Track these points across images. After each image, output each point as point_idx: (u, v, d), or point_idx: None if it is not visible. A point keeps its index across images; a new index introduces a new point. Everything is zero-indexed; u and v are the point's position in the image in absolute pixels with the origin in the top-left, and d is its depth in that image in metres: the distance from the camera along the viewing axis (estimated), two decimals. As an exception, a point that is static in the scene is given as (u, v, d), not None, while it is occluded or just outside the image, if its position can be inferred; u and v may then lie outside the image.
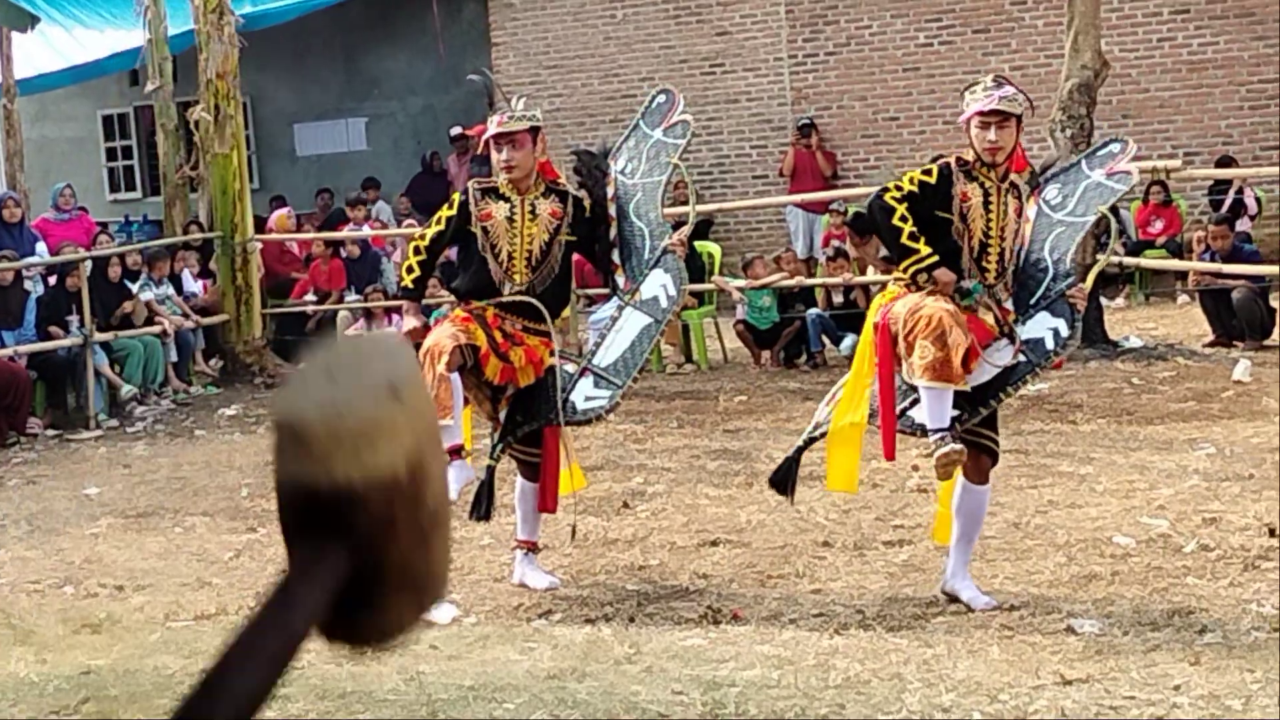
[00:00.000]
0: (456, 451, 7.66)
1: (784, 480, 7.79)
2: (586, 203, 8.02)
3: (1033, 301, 7.37)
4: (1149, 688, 5.91)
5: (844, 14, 21.03)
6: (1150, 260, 17.26)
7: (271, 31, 21.53)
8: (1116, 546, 7.92)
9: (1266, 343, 14.06)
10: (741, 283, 15.63)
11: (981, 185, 7.19)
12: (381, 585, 1.28)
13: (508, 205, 7.79)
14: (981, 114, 7.15)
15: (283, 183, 23.41)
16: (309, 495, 1.23)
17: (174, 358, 15.71)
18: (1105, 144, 8.14)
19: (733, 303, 15.96)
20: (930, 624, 6.96)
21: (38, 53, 21.23)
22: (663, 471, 10.68)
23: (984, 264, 7.17)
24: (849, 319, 14.66)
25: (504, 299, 7.75)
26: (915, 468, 10.02)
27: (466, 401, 7.80)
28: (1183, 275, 16.88)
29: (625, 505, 9.69)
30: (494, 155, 7.85)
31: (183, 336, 15.96)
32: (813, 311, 15.06)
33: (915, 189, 7.16)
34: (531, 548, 8.09)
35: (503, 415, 7.94)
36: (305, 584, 1.25)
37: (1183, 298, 16.80)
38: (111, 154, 25.65)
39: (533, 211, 7.79)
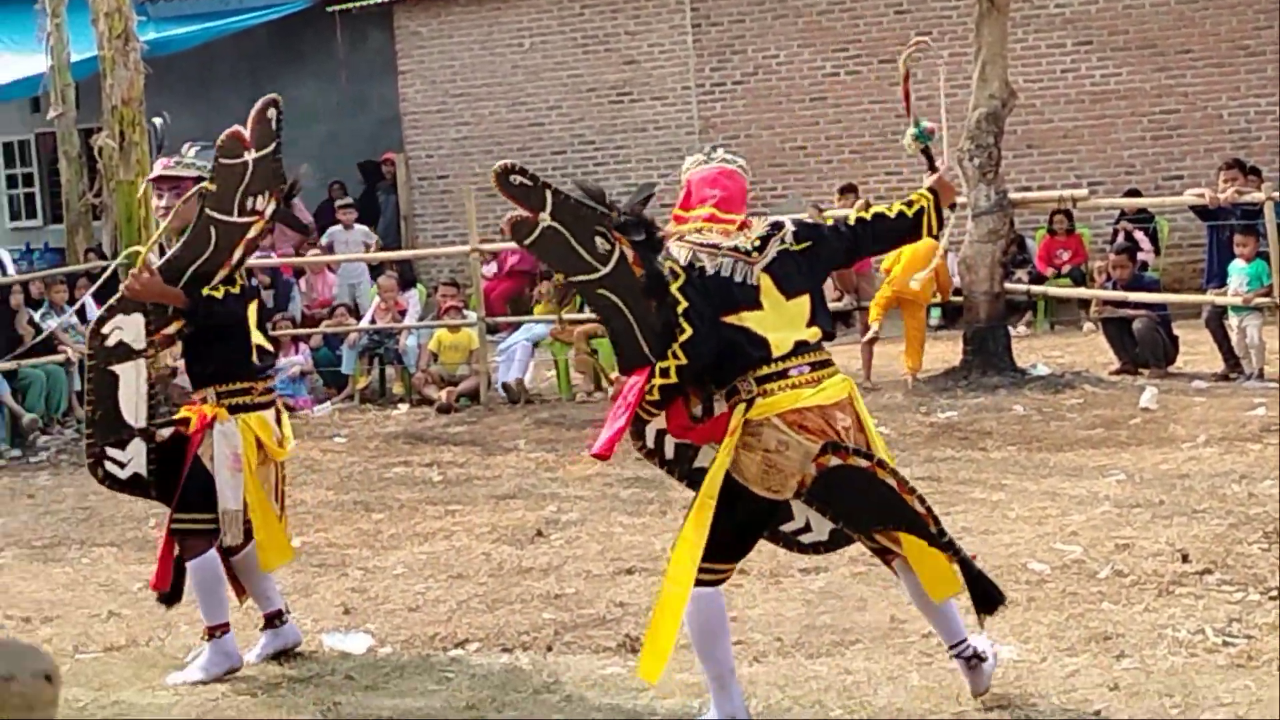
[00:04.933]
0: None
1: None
2: None
3: None
4: (1069, 713, 5.92)
5: (751, 43, 21.13)
6: (1054, 288, 17.45)
7: (176, 58, 21.39)
8: (1031, 572, 7.95)
9: (1171, 369, 14.22)
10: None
11: None
12: None
13: None
14: None
15: (187, 210, 23.19)
16: None
17: (78, 386, 15.50)
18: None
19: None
20: (849, 651, 6.95)
21: (-63, 78, 20.96)
22: (576, 500, 10.63)
23: None
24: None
25: None
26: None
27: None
28: (1087, 304, 17.07)
29: (539, 533, 9.64)
30: (154, 201, 7.40)
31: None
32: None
33: None
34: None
35: None
36: None
37: (1087, 326, 16.97)
38: (12, 181, 25.35)
39: None
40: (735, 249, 5.97)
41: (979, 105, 14.73)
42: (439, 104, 22.58)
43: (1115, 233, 18.35)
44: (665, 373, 5.88)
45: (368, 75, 23.19)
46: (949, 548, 5.87)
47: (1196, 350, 14.63)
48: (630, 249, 5.98)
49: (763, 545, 7.94)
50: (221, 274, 7.07)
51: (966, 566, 5.96)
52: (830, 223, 6.36)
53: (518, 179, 6.02)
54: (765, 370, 5.85)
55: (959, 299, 15.45)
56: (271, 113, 7.04)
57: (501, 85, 22.28)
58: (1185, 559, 7.93)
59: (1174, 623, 6.98)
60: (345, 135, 23.71)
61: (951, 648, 6.13)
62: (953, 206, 6.80)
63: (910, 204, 6.35)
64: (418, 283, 19.22)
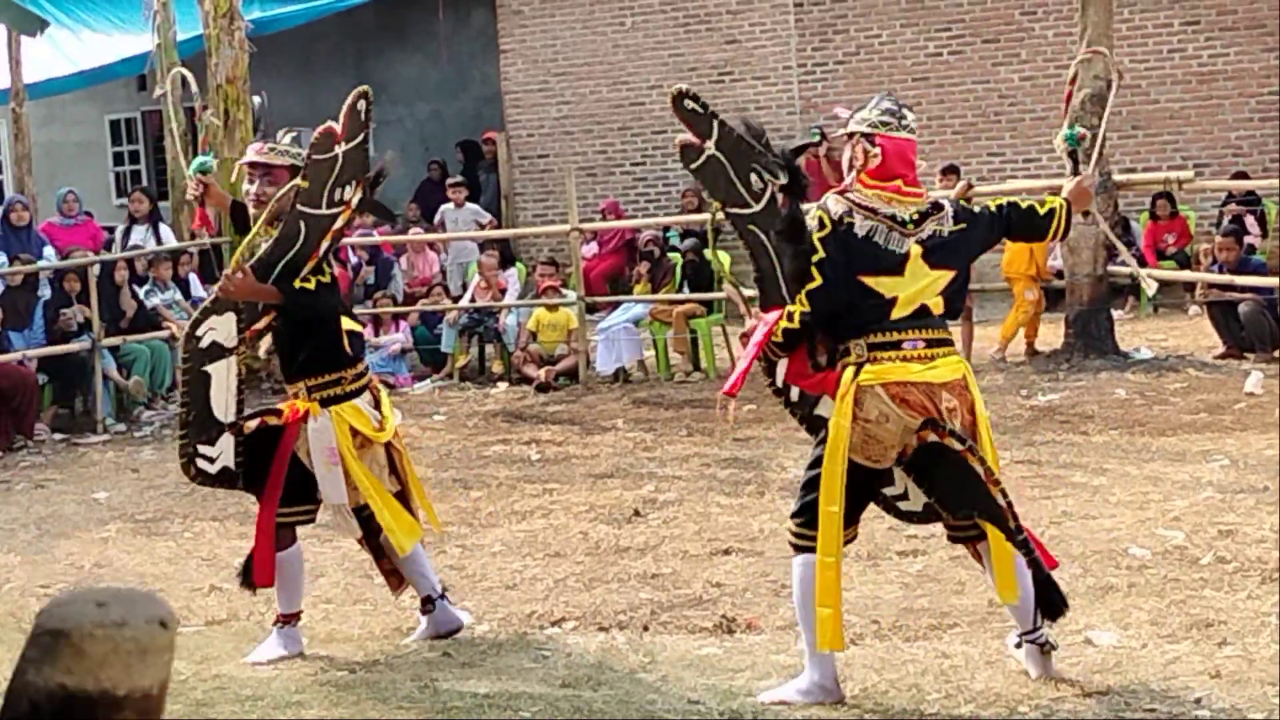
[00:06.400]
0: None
1: None
2: None
3: None
4: (1170, 700, 5.87)
5: (854, 23, 21.02)
6: (1159, 271, 17.23)
7: (280, 37, 21.54)
8: (1132, 558, 7.88)
9: (1277, 354, 14.03)
10: (751, 292, 15.57)
11: None
12: None
13: None
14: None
15: (290, 188, 23.35)
16: (70, 700, 1.32)
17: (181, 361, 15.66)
18: None
19: (740, 313, 15.89)
20: (946, 635, 6.92)
21: (46, 57, 21.22)
22: (673, 480, 10.64)
23: None
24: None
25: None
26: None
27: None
28: (1191, 287, 16.87)
29: (636, 513, 9.65)
30: (245, 185, 7.28)
31: (190, 341, 15.91)
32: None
33: None
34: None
35: None
36: None
37: (1192, 309, 16.77)
38: (119, 158, 25.66)
39: None
40: (891, 217, 6.03)
41: (1083, 86, 14.55)
42: (540, 83, 22.60)
43: (1221, 215, 18.12)
44: (790, 317, 6.04)
45: (470, 54, 23.27)
46: (1022, 546, 5.90)
47: (1304, 335, 14.44)
48: (779, 191, 6.18)
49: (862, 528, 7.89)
50: (309, 265, 6.99)
51: (1036, 568, 5.99)
52: (981, 209, 6.41)
53: (690, 104, 6.44)
54: (878, 337, 5.94)
55: (1060, 282, 15.31)
56: (361, 105, 7.02)
57: (603, 64, 22.28)
58: (1290, 546, 7.84)
59: (1277, 611, 6.89)
60: (447, 114, 23.81)
61: (1024, 634, 6.16)
62: (1086, 214, 6.89)
63: (1043, 204, 6.40)
64: (517, 261, 19.27)
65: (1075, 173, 6.77)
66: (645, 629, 7.32)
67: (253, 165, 7.19)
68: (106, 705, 1.32)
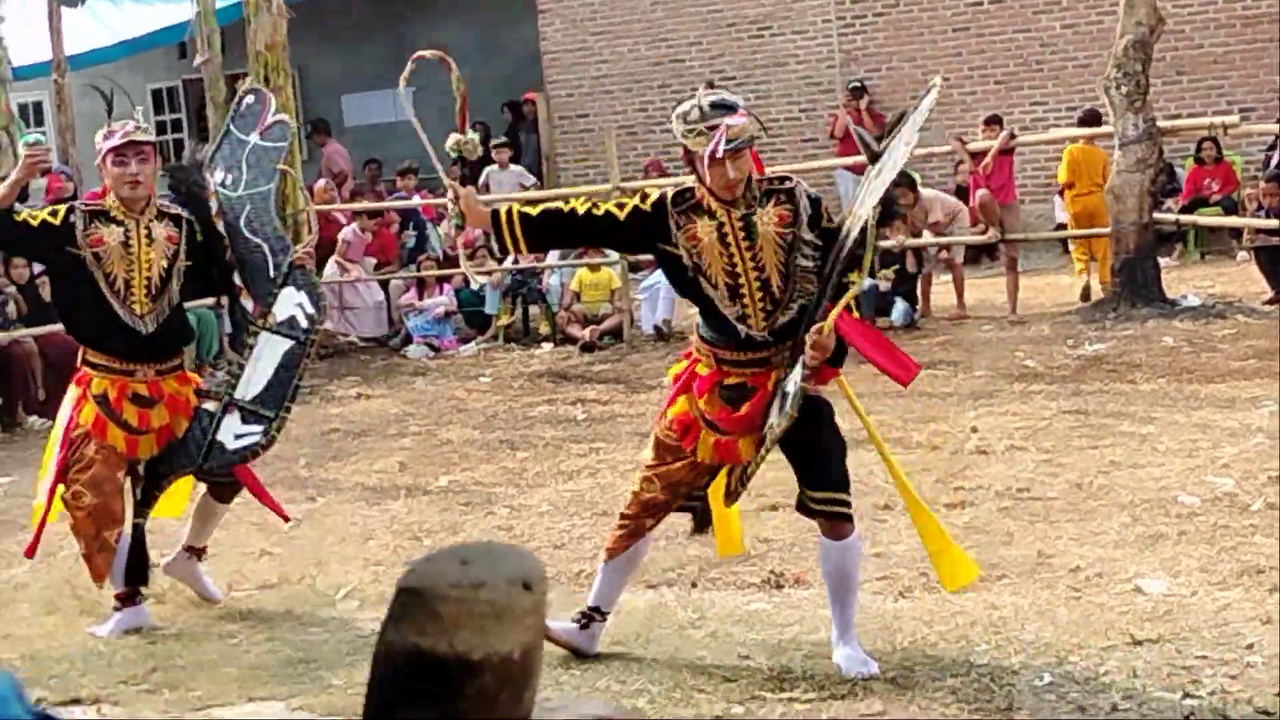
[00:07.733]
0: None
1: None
2: (198, 225, 7.28)
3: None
4: (1221, 647, 5.84)
5: (893, -26, 20.90)
6: (1205, 217, 17.13)
7: (318, 2, 21.56)
8: (1182, 506, 7.85)
9: (1326, 299, 13.95)
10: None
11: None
12: None
13: (121, 230, 7.07)
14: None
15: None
16: (426, 661, 1.29)
17: (228, 329, 15.72)
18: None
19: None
20: (995, 586, 6.90)
21: (87, 27, 21.29)
22: (720, 436, 10.62)
23: None
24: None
25: (127, 344, 7.10)
26: (974, 429, 9.98)
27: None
28: (1238, 233, 16.76)
29: (683, 470, 9.64)
30: (115, 169, 7.04)
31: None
32: (866, 281, 14.96)
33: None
34: (198, 554, 7.76)
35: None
36: None
37: (1240, 255, 16.66)
38: (161, 127, 25.70)
39: (149, 236, 7.10)
40: None
41: (1126, 32, 14.47)
42: (579, 43, 22.56)
43: (1268, 159, 17.98)
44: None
45: (508, 16, 23.21)
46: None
47: (1353, 278, 14.32)
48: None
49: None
50: None
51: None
52: None
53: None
54: None
55: (1106, 230, 15.21)
56: None
57: (641, 22, 22.22)
58: (1340, 491, 7.79)
59: (1328, 556, 6.86)
60: (485, 76, 23.78)
61: None
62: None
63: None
64: (560, 222, 19.26)
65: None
66: (693, 585, 7.33)
67: (130, 145, 7.01)
68: (461, 669, 1.29)
